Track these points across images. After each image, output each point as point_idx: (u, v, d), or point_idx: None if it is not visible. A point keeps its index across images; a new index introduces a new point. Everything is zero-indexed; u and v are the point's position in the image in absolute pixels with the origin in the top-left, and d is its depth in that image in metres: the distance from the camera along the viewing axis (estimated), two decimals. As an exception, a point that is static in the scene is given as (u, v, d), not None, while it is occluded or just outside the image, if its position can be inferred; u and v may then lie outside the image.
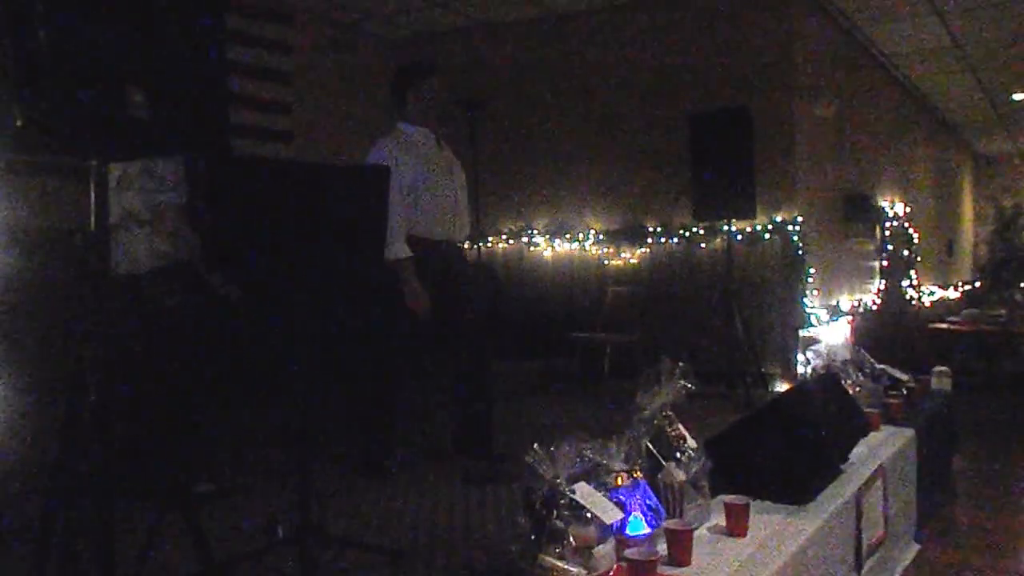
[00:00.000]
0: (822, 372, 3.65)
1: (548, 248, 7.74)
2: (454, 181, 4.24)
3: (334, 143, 7.22)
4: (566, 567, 1.97)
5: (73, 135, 2.26)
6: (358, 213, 2.69)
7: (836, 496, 2.70)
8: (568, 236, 7.64)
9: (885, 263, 8.99)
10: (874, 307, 8.58)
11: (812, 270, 6.77)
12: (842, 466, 2.94)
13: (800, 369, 6.13)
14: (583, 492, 2.08)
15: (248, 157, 5.98)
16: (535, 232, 7.79)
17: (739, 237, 6.70)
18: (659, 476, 2.39)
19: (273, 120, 6.84)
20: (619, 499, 2.20)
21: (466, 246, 4.63)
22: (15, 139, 2.26)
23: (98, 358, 2.31)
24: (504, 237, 7.87)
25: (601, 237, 7.49)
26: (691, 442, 2.52)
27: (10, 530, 3.04)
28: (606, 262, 7.46)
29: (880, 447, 3.30)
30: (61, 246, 3.19)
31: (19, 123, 2.18)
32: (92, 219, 2.29)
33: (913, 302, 9.75)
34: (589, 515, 2.04)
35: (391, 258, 3.91)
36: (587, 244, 7.56)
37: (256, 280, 2.58)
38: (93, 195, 2.32)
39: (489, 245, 7.80)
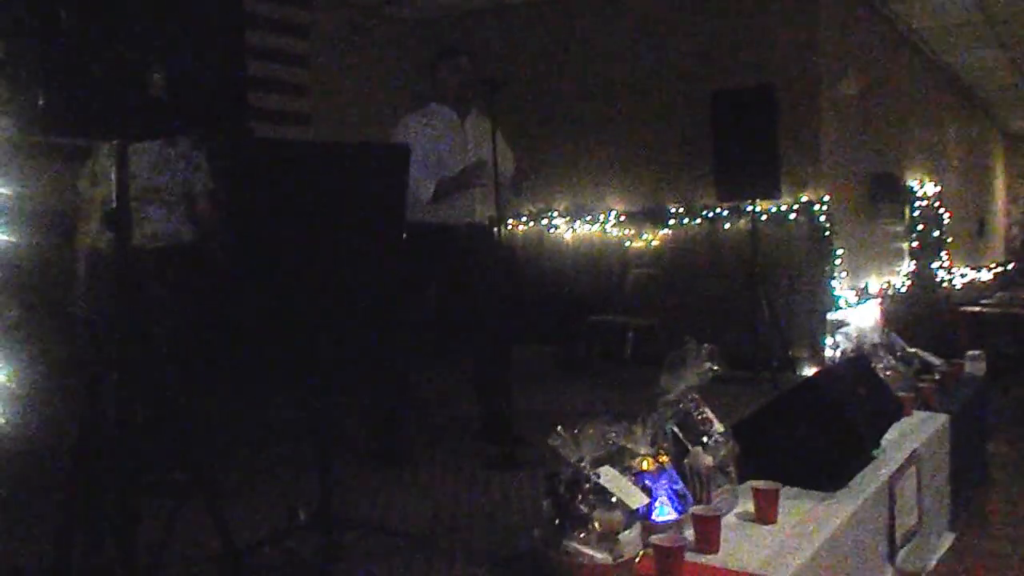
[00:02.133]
0: (852, 355, 3.58)
1: (568, 230, 7.67)
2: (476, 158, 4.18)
3: (353, 126, 7.18)
4: (591, 553, 1.93)
5: (94, 115, 2.23)
6: (378, 192, 2.65)
7: (868, 482, 2.64)
8: (589, 218, 7.55)
9: (915, 244, 8.84)
10: (904, 289, 8.45)
11: (839, 251, 6.66)
12: (874, 452, 2.87)
13: (828, 353, 6.04)
14: (608, 476, 2.04)
15: (267, 138, 5.95)
16: (555, 214, 7.71)
17: (764, 218, 6.59)
18: (685, 460, 2.34)
19: (291, 103, 6.81)
20: (645, 484, 2.16)
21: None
22: (36, 121, 2.24)
23: (117, 340, 2.29)
24: (524, 219, 7.80)
25: (622, 219, 7.40)
26: (718, 426, 2.47)
27: (32, 516, 3.04)
28: (627, 244, 7.38)
29: (913, 432, 3.24)
30: (80, 228, 3.18)
31: (42, 102, 2.16)
32: (114, 200, 2.27)
33: (944, 284, 9.60)
34: (614, 500, 2.00)
35: (424, 200, 3.96)
36: (608, 226, 7.47)
37: (276, 263, 2.55)
38: (114, 176, 2.30)
39: (508, 227, 7.74)
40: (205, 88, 2.51)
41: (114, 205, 2.22)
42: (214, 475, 2.57)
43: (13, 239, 2.23)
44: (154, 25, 2.27)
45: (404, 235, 2.78)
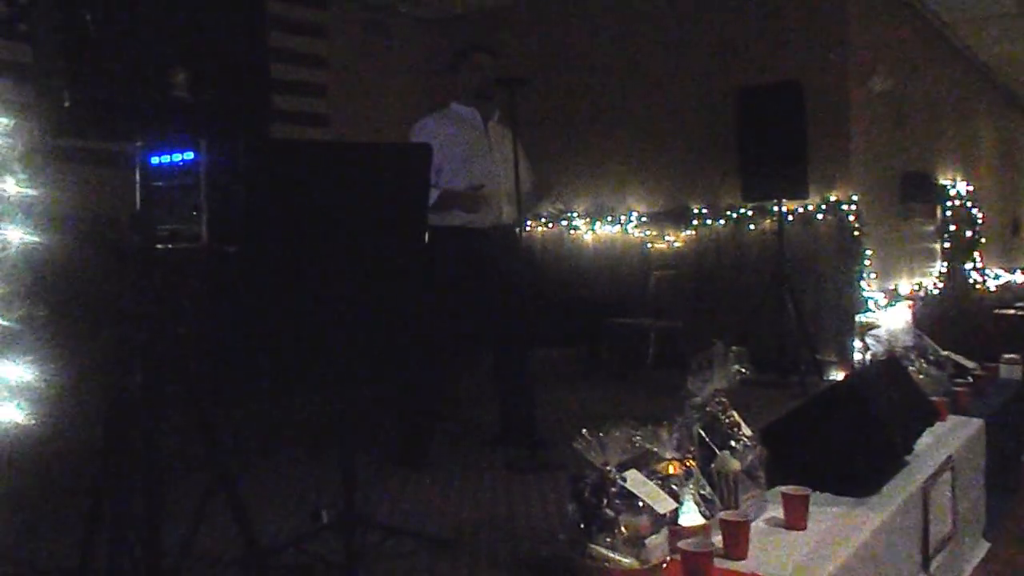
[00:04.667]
0: (883, 358, 3.53)
1: (589, 231, 7.62)
2: (500, 162, 4.16)
3: (370, 126, 7.19)
4: (617, 557, 1.91)
5: (119, 118, 2.24)
6: (400, 191, 2.63)
7: (901, 488, 2.59)
8: (610, 218, 7.50)
9: (947, 245, 8.71)
10: (936, 291, 8.33)
11: (869, 252, 6.56)
12: (907, 457, 2.82)
13: (857, 356, 5.96)
14: (634, 480, 2.01)
15: (287, 140, 5.96)
16: (576, 215, 7.67)
17: (790, 218, 6.51)
18: (713, 465, 2.31)
19: (310, 104, 6.84)
20: (671, 488, 2.13)
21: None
22: (61, 125, 2.24)
23: (144, 340, 2.29)
24: (544, 220, 7.76)
25: (644, 219, 7.34)
26: (746, 430, 2.44)
27: (57, 516, 3.06)
28: (650, 245, 7.32)
29: (947, 437, 3.17)
30: (106, 229, 3.20)
31: (67, 104, 2.16)
32: (137, 201, 2.27)
33: (977, 286, 9.45)
34: (641, 504, 1.97)
35: (433, 204, 3.83)
36: (630, 227, 7.41)
37: (294, 264, 2.54)
38: (138, 177, 2.30)
39: (528, 228, 7.71)
40: (228, 90, 2.51)
41: (138, 207, 2.23)
42: (237, 476, 2.56)
43: (41, 240, 2.24)
44: (178, 27, 2.27)
45: (427, 235, 2.76)
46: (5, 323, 2.14)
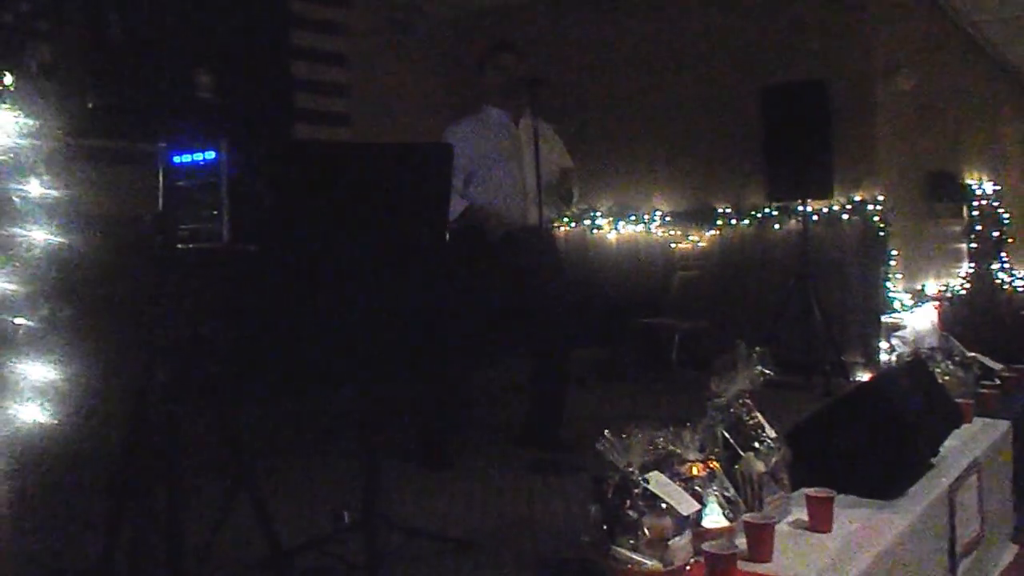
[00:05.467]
0: (908, 359, 3.48)
1: (612, 231, 7.59)
2: (530, 164, 4.13)
3: (392, 126, 7.17)
4: (640, 559, 1.89)
5: (141, 118, 2.26)
6: (421, 191, 2.63)
7: (927, 491, 2.55)
8: (633, 218, 7.47)
9: (973, 245, 8.61)
10: (962, 292, 8.23)
11: (894, 253, 6.49)
12: (933, 459, 2.78)
13: (883, 357, 5.90)
14: (657, 481, 1.99)
15: (309, 140, 5.98)
16: (598, 214, 7.63)
17: (815, 218, 6.46)
18: (737, 467, 2.28)
19: (332, 103, 6.82)
20: (695, 490, 2.11)
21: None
22: (84, 125, 2.26)
23: (166, 340, 2.30)
24: (566, 219, 7.73)
25: (668, 219, 7.30)
26: (770, 431, 2.41)
27: (80, 515, 3.07)
28: (673, 245, 7.28)
29: (974, 440, 3.13)
30: (129, 230, 3.21)
31: (91, 105, 2.18)
32: (159, 201, 2.28)
33: (1004, 286, 9.34)
34: (664, 506, 1.95)
35: (454, 217, 3.85)
36: (653, 226, 7.37)
37: (315, 263, 2.54)
38: (160, 177, 2.31)
39: (552, 228, 7.66)
40: (251, 90, 2.52)
41: (160, 207, 2.24)
42: (259, 477, 2.56)
43: (64, 240, 2.25)
44: (200, 28, 2.28)
45: (447, 235, 2.76)
46: (29, 323, 2.15)
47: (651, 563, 1.89)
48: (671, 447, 2.14)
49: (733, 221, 6.96)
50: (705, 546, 1.93)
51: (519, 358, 4.30)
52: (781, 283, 6.22)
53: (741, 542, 2.04)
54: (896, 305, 6.44)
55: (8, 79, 2.04)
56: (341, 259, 2.53)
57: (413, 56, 7.77)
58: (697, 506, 2.04)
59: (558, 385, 4.16)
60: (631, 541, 1.90)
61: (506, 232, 4.03)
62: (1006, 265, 9.33)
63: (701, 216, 7.11)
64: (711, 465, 2.20)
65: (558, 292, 4.13)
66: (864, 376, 5.98)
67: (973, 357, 3.91)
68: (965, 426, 3.23)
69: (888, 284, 6.42)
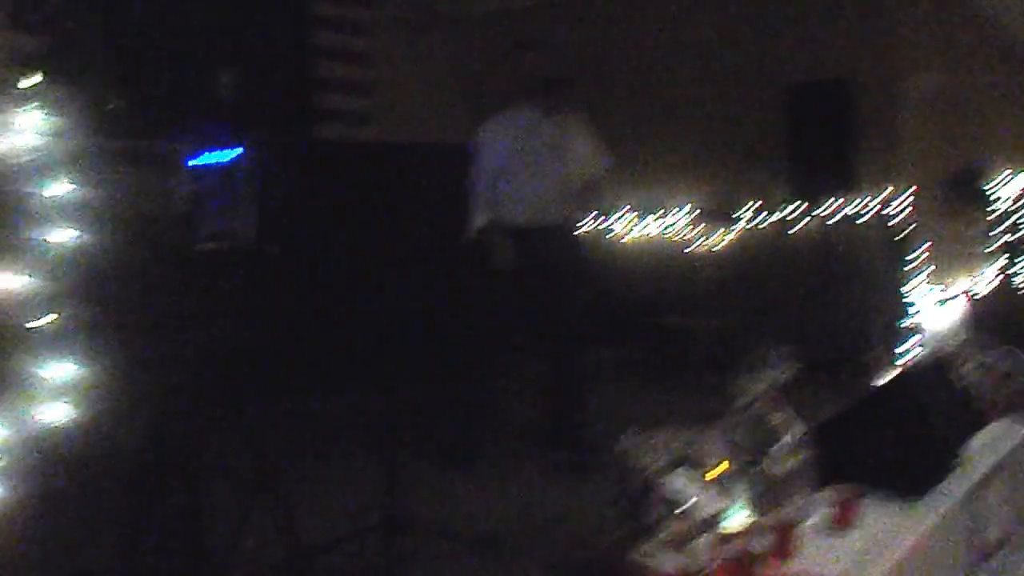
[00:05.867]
0: (932, 359, 3.45)
1: (634, 230, 7.55)
2: (560, 161, 4.13)
3: (414, 125, 7.16)
4: (662, 560, 1.88)
5: (163, 118, 2.27)
6: (439, 191, 2.63)
7: (951, 491, 2.52)
8: (655, 217, 7.43)
9: (1000, 243, 8.52)
10: (987, 291, 8.15)
11: (919, 251, 6.44)
12: (957, 459, 2.75)
13: (907, 356, 5.84)
14: (680, 482, 1.98)
15: (330, 140, 5.98)
16: (621, 212, 7.59)
17: (839, 217, 6.41)
18: (760, 466, 2.27)
19: (353, 103, 6.81)
20: (718, 489, 2.10)
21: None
22: (106, 125, 2.27)
23: (189, 340, 2.32)
24: (590, 218, 7.69)
25: (690, 218, 7.27)
26: (793, 430, 2.39)
27: (102, 516, 3.09)
28: (695, 244, 7.25)
29: (999, 440, 3.09)
30: (151, 230, 3.24)
31: (112, 105, 2.20)
32: (181, 201, 2.30)
33: (1029, 285, 9.25)
34: (687, 506, 1.95)
35: (474, 229, 3.84)
36: (675, 225, 7.34)
37: (338, 262, 2.55)
38: (182, 177, 2.33)
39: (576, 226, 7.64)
40: (272, 89, 2.53)
41: (182, 207, 2.25)
42: (281, 477, 2.57)
43: (87, 240, 2.27)
44: (221, 28, 2.30)
45: (467, 235, 2.76)
46: (53, 322, 2.17)
47: (673, 564, 1.88)
48: (695, 447, 2.13)
49: (755, 220, 6.91)
50: (728, 546, 1.92)
51: (541, 358, 4.28)
52: (805, 282, 6.18)
53: (764, 542, 2.03)
54: (921, 304, 6.38)
55: (33, 80, 2.06)
56: (361, 258, 2.54)
57: (435, 55, 7.75)
58: (721, 506, 2.03)
59: (580, 385, 4.14)
60: (653, 542, 1.90)
61: (531, 231, 4.02)
62: (1032, 264, 9.23)
63: (723, 215, 7.07)
64: (735, 464, 2.19)
65: (581, 291, 4.12)
66: (888, 375, 5.92)
67: (1009, 349, 3.84)
68: (991, 425, 3.19)
69: (912, 284, 6.37)
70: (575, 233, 4.09)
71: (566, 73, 3.97)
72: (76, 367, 2.24)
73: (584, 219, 4.24)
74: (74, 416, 2.24)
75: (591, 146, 4.27)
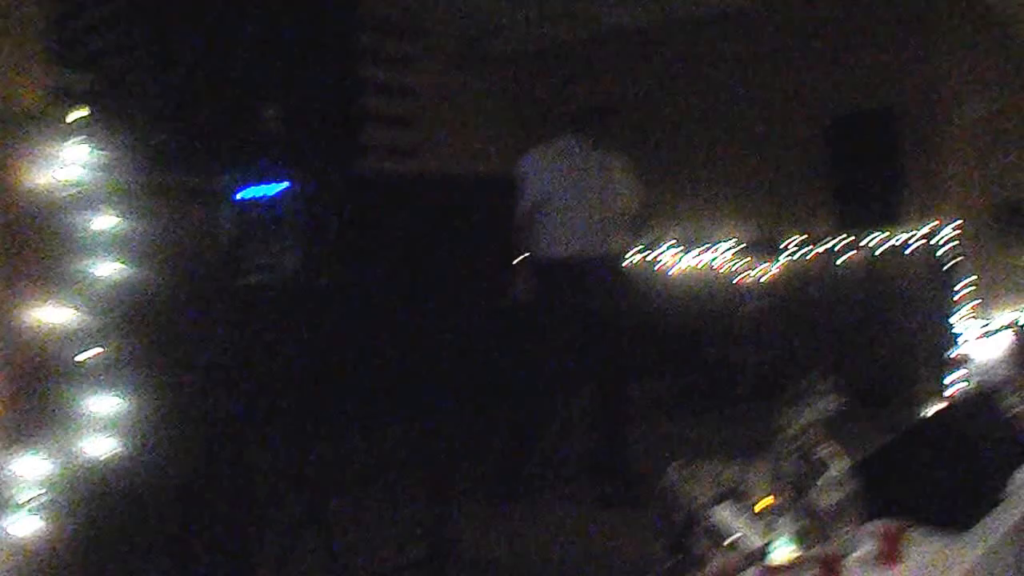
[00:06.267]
0: (979, 391, 3.39)
1: (679, 262, 7.52)
2: (606, 192, 4.14)
3: (459, 159, 7.22)
4: (707, 594, 1.86)
5: (209, 152, 2.31)
6: (485, 224, 2.65)
7: (998, 525, 2.48)
8: (698, 249, 7.40)
9: (1048, 274, 8.36)
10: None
11: (965, 282, 6.33)
12: (1004, 492, 2.70)
13: (953, 388, 5.73)
14: (725, 515, 1.96)
15: (375, 174, 6.04)
16: (662, 245, 7.58)
17: (884, 248, 6.33)
18: (805, 499, 2.23)
19: (399, 136, 6.87)
20: (763, 523, 2.07)
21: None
22: (153, 159, 2.32)
23: (237, 372, 2.34)
24: (633, 250, 7.68)
25: (733, 249, 7.23)
26: (839, 463, 2.36)
27: (149, 544, 3.11)
28: (739, 276, 7.20)
29: (1047, 472, 3.01)
30: (198, 263, 3.29)
31: (158, 140, 2.24)
32: (228, 235, 2.33)
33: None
34: (732, 539, 1.92)
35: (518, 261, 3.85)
36: (718, 257, 7.30)
37: (386, 296, 2.58)
38: (229, 211, 2.37)
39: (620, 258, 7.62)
40: (319, 123, 2.57)
41: (229, 241, 2.28)
42: (328, 508, 2.58)
43: (134, 274, 2.31)
44: (268, 62, 2.34)
45: (515, 266, 2.77)
46: (99, 356, 2.20)
47: (719, 598, 1.85)
48: (740, 480, 2.11)
49: (800, 251, 6.85)
50: (774, 581, 1.89)
51: (588, 391, 4.27)
52: (850, 313, 6.10)
53: (810, 575, 2.00)
54: (967, 336, 6.27)
55: (79, 114, 2.11)
56: (407, 292, 2.56)
57: (480, 90, 7.83)
58: (765, 540, 2.00)
59: (626, 417, 4.12)
60: (700, 575, 1.88)
61: (578, 262, 4.03)
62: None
63: (767, 246, 7.02)
64: (780, 497, 2.16)
65: (627, 323, 4.11)
66: (934, 407, 5.81)
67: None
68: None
69: (958, 315, 6.26)
70: (621, 264, 4.08)
71: (614, 103, 4.00)
72: (122, 400, 2.26)
73: (629, 250, 4.23)
74: (120, 450, 2.26)
75: (634, 179, 4.28)
